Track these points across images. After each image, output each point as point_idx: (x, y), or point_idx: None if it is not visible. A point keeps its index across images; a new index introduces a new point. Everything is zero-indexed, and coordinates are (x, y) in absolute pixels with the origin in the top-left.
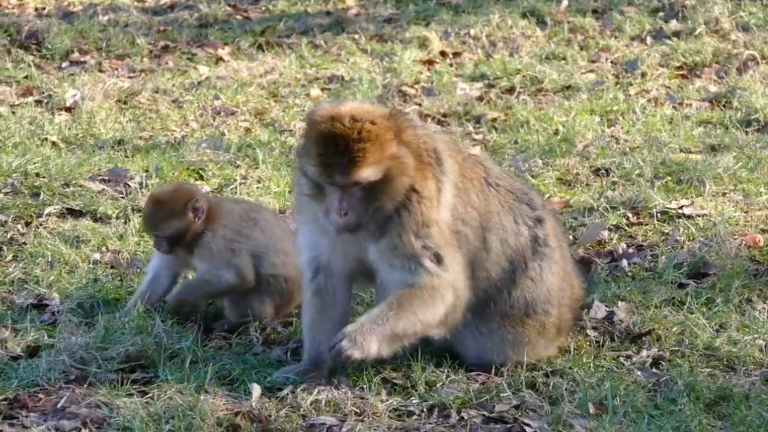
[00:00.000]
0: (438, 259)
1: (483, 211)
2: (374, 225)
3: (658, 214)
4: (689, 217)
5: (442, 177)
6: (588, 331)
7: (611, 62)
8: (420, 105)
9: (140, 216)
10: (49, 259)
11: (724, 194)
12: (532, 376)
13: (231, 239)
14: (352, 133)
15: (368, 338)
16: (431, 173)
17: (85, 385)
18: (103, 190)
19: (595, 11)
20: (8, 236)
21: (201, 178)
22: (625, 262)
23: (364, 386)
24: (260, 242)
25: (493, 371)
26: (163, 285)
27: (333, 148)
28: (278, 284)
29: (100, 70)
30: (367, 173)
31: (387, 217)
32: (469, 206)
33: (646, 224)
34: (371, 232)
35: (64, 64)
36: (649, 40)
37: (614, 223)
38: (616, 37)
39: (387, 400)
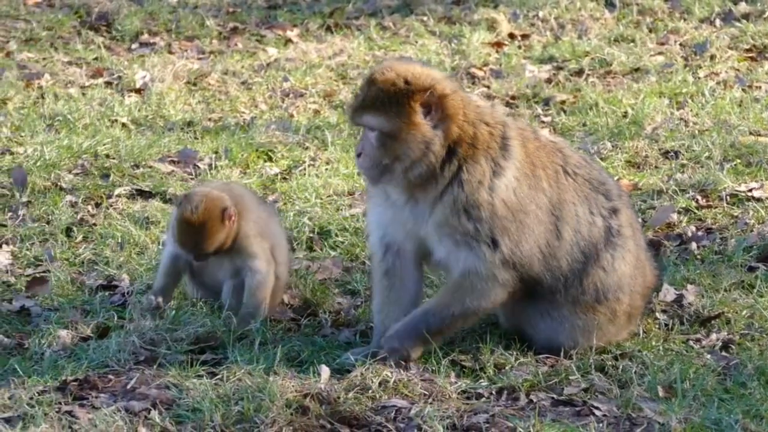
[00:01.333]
0: (494, 244)
1: (556, 200)
2: (425, 197)
3: (728, 197)
4: (758, 200)
5: (502, 162)
6: (657, 314)
7: (680, 44)
8: (488, 87)
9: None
10: (119, 241)
11: None
12: (601, 359)
13: (263, 236)
14: (377, 81)
15: (407, 343)
16: (487, 156)
17: (155, 366)
18: (173, 171)
19: None
20: (78, 217)
21: (270, 159)
22: (694, 245)
23: (433, 368)
24: (276, 233)
25: (562, 355)
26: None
27: (360, 89)
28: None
29: (170, 52)
30: (367, 119)
31: (439, 192)
32: (540, 194)
33: (716, 207)
34: (428, 204)
35: (133, 46)
36: (718, 22)
37: (683, 206)
38: (685, 20)
39: (456, 383)
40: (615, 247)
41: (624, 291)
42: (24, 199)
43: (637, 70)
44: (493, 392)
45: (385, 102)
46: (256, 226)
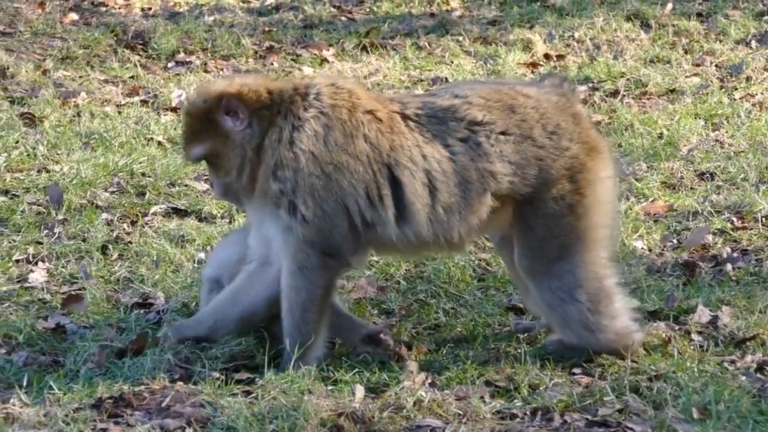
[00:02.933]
0: (292, 208)
1: (387, 146)
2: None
3: (763, 219)
4: None
5: (303, 113)
6: (692, 335)
7: (716, 66)
8: None
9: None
10: (155, 258)
11: None
12: (636, 380)
13: None
14: (186, 112)
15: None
16: (287, 114)
17: (190, 384)
18: (208, 189)
19: (699, 14)
20: (114, 235)
21: None
22: (729, 267)
23: (467, 388)
24: None
25: (596, 375)
26: None
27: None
28: None
29: (206, 71)
30: (194, 152)
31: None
32: (361, 141)
33: (751, 228)
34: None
35: (169, 65)
36: (754, 43)
37: (719, 227)
38: (720, 41)
39: (490, 403)
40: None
41: None
42: (60, 217)
43: (672, 91)
44: (528, 413)
45: (198, 128)
46: None
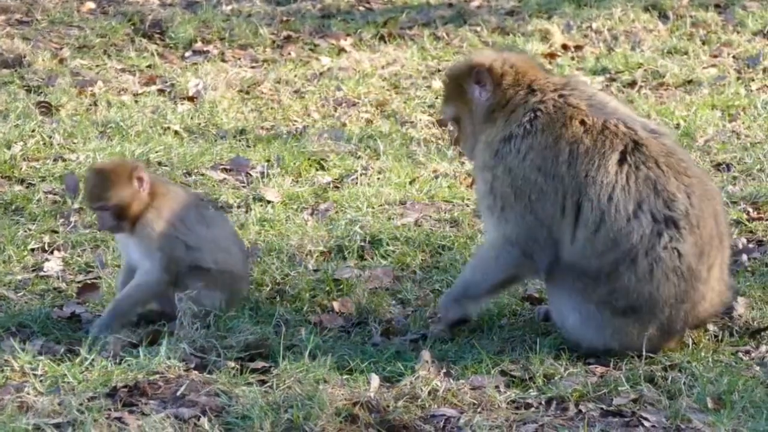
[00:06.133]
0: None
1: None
2: None
3: None
4: None
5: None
6: (707, 325)
7: (733, 57)
8: None
9: (84, 192)
10: None
11: None
12: (651, 370)
13: (172, 224)
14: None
15: None
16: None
17: (205, 374)
18: (225, 179)
19: (717, 6)
20: None
21: (322, 168)
22: (745, 257)
23: (482, 378)
24: (202, 236)
25: (611, 365)
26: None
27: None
28: (227, 279)
29: (223, 60)
30: None
31: None
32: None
33: (767, 219)
34: None
35: (187, 54)
36: None
37: (735, 218)
38: (738, 32)
39: (505, 392)
40: None
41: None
42: (76, 206)
43: (689, 82)
44: (543, 402)
45: (450, 91)
46: (172, 227)
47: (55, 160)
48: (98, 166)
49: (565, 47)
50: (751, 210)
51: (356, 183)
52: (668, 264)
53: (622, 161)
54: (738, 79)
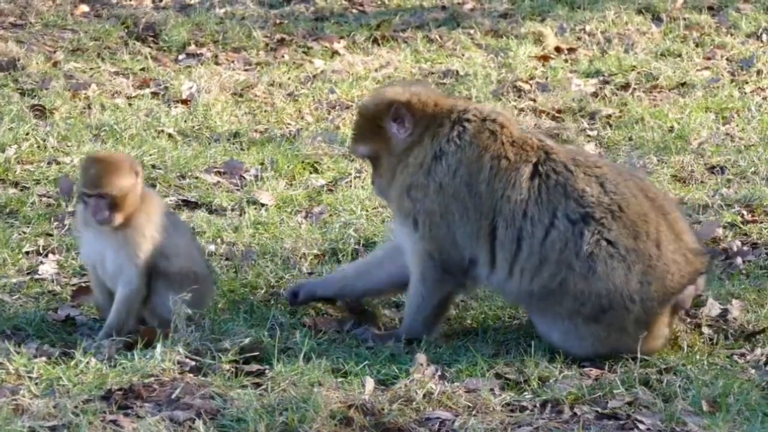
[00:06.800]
0: (416, 224)
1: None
2: None
3: None
4: None
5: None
6: (702, 328)
7: (727, 59)
8: (534, 101)
9: (81, 178)
10: None
11: None
12: (646, 373)
13: (159, 231)
14: None
15: None
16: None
17: (200, 376)
18: (219, 182)
19: (710, 8)
20: None
21: (316, 171)
22: (739, 260)
23: (477, 381)
24: (175, 243)
25: (606, 367)
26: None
27: None
28: (191, 283)
29: (216, 63)
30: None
31: None
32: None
33: (761, 222)
34: None
35: (180, 57)
36: (765, 37)
37: (729, 220)
38: (731, 34)
39: (500, 395)
40: None
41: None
42: (70, 209)
43: (683, 84)
44: (537, 405)
45: (366, 129)
46: (155, 228)
47: (49, 163)
48: (98, 154)
49: (558, 50)
50: (745, 213)
51: (350, 186)
52: (604, 256)
53: (533, 175)
54: (732, 81)
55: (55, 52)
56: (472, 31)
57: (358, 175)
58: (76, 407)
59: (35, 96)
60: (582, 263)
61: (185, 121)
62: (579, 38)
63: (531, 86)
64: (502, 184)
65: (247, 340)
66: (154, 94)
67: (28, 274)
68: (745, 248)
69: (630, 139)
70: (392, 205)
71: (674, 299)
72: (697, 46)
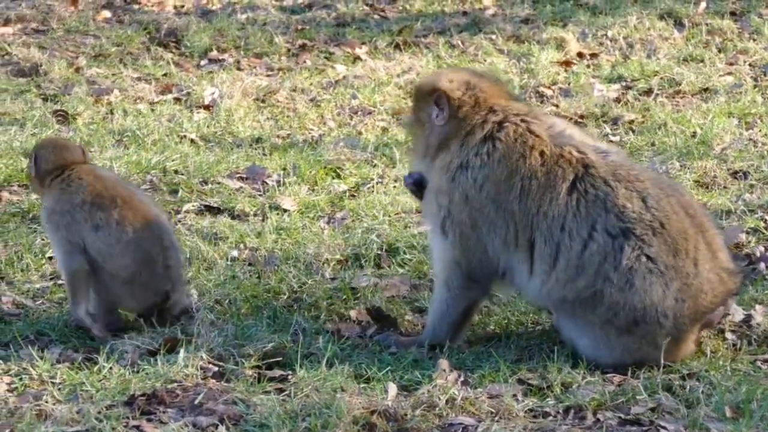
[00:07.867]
0: (444, 229)
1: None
2: None
3: None
4: None
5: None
6: (726, 334)
7: (749, 65)
8: (557, 106)
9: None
10: (187, 256)
11: None
12: (669, 379)
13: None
14: None
15: None
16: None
17: (222, 382)
18: (241, 187)
19: (733, 13)
20: None
21: (338, 176)
22: (762, 266)
23: (500, 386)
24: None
25: (629, 373)
26: None
27: None
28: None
29: (239, 69)
30: None
31: None
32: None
33: None
34: None
35: (202, 62)
36: None
37: (752, 226)
38: (754, 40)
39: (523, 401)
40: None
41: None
42: None
43: (706, 90)
44: (560, 411)
45: (413, 104)
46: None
47: None
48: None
49: (580, 55)
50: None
51: (372, 191)
52: (643, 271)
53: (572, 189)
54: (755, 86)
55: (77, 57)
56: (493, 37)
57: (380, 180)
58: (99, 413)
59: (58, 101)
60: (620, 276)
61: (208, 127)
62: (601, 44)
63: (553, 92)
64: (536, 202)
65: (269, 346)
66: (177, 100)
67: (51, 279)
68: None
69: (653, 144)
70: (422, 204)
71: (705, 318)
72: (719, 51)
